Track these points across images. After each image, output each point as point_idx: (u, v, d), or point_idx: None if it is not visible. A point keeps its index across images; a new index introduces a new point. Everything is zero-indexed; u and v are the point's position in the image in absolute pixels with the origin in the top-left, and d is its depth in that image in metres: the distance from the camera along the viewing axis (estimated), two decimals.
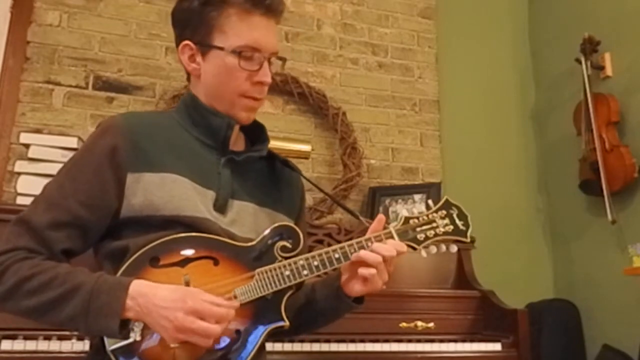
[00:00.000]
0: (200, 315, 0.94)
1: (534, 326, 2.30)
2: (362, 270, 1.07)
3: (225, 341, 1.01)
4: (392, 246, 1.08)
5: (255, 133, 1.24)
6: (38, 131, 2.28)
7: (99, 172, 1.05)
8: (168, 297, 0.95)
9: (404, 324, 2.07)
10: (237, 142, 1.22)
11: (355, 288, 1.11)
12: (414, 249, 1.13)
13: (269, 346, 1.75)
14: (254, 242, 1.09)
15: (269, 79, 1.14)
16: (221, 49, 1.11)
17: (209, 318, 0.94)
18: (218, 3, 1.10)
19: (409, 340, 1.97)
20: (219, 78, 1.12)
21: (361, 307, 1.17)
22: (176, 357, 0.98)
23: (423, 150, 2.88)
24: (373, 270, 1.06)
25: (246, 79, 1.12)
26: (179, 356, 0.98)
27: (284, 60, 1.20)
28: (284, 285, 1.05)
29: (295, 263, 1.06)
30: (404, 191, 2.60)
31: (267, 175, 1.24)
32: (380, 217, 1.13)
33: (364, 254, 1.07)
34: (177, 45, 1.17)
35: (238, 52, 1.10)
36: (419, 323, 2.08)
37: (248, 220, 1.14)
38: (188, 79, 1.21)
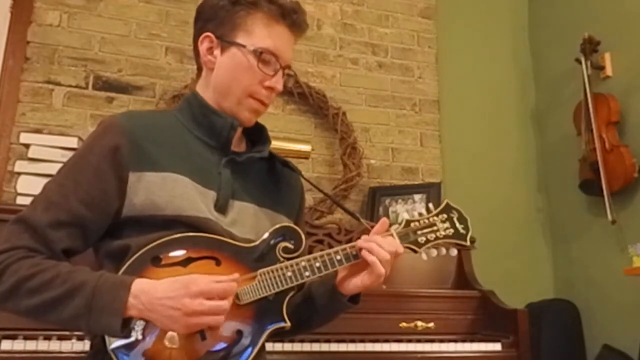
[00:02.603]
0: (207, 296, 0.95)
1: (534, 326, 2.30)
2: (378, 266, 1.06)
3: (226, 342, 1.01)
4: (392, 243, 1.09)
5: (257, 134, 1.25)
6: (38, 131, 2.28)
7: (100, 171, 1.05)
8: (170, 288, 0.95)
9: (404, 324, 2.07)
10: (239, 143, 1.22)
11: (351, 285, 1.12)
12: (415, 251, 1.14)
13: (269, 346, 1.75)
14: (256, 243, 1.09)
15: (280, 87, 1.16)
16: (243, 46, 1.13)
17: (214, 296, 0.95)
18: (248, 5, 1.13)
19: (409, 340, 1.97)
20: (233, 74, 1.14)
21: (355, 307, 1.17)
22: (176, 357, 0.97)
23: (423, 150, 2.88)
24: (375, 258, 1.07)
25: (259, 82, 1.14)
26: (179, 355, 0.98)
27: (293, 76, 1.22)
28: (285, 286, 1.05)
29: (297, 264, 1.07)
30: (404, 191, 2.60)
31: (267, 176, 1.24)
32: (384, 220, 1.14)
33: (368, 245, 1.08)
34: (197, 37, 1.18)
35: (259, 53, 1.12)
36: (419, 323, 2.08)
37: (248, 221, 1.14)
38: (198, 74, 1.22)
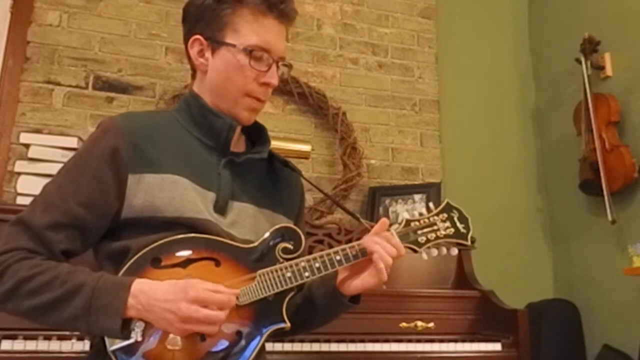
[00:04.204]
0: (203, 304, 0.94)
1: (534, 326, 2.30)
2: (377, 260, 1.07)
3: (226, 343, 1.01)
4: (397, 246, 1.09)
5: (257, 134, 1.24)
6: (38, 131, 2.28)
7: (99, 173, 1.05)
8: (169, 291, 0.95)
9: (404, 324, 2.07)
10: (238, 143, 1.22)
11: (352, 286, 1.11)
12: (415, 251, 1.13)
13: (269, 346, 1.75)
14: (255, 244, 1.09)
15: (275, 82, 1.14)
16: (233, 46, 1.11)
17: (211, 305, 0.95)
18: (233, 2, 1.11)
19: (409, 340, 1.97)
20: (226, 75, 1.13)
21: (356, 307, 1.17)
22: (176, 358, 0.98)
23: (423, 150, 2.88)
24: (389, 260, 1.07)
25: (253, 79, 1.12)
26: (180, 356, 0.98)
27: (290, 66, 1.20)
28: (285, 287, 1.05)
29: (296, 265, 1.06)
30: (404, 191, 2.60)
31: (266, 176, 1.24)
32: (384, 220, 1.13)
33: (377, 248, 1.07)
34: (186, 40, 1.17)
35: (249, 51, 1.10)
36: (419, 323, 2.09)
37: (248, 222, 1.14)
38: (193, 76, 1.21)
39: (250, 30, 1.11)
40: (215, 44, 1.13)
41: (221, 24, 1.12)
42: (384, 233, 1.11)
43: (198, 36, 1.14)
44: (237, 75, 1.12)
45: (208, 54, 1.14)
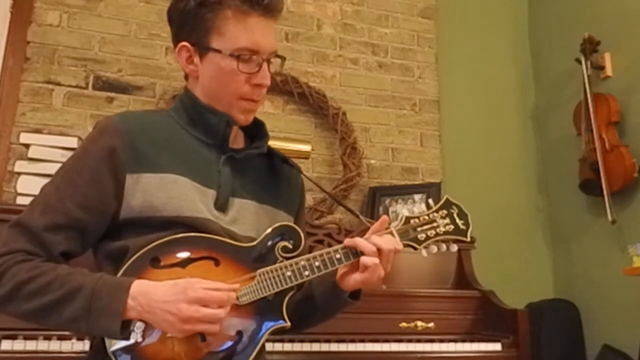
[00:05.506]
0: (203, 303, 0.94)
1: (534, 326, 2.30)
2: (364, 259, 1.06)
3: (227, 342, 1.00)
4: (390, 240, 1.08)
5: (255, 129, 1.23)
6: (38, 131, 2.28)
7: (96, 174, 1.04)
8: (169, 292, 0.95)
9: (404, 324, 2.07)
10: (237, 139, 1.21)
11: (351, 281, 1.11)
12: (415, 248, 1.13)
13: (269, 346, 1.75)
14: (254, 243, 1.09)
15: (268, 81, 1.12)
16: (219, 51, 1.09)
17: (211, 304, 0.95)
18: (214, 4, 1.08)
19: (409, 340, 1.97)
20: (217, 80, 1.11)
21: (357, 304, 1.17)
22: (177, 358, 0.98)
23: (423, 150, 2.88)
24: (375, 260, 1.06)
25: (245, 82, 1.11)
26: (180, 357, 0.98)
27: (283, 59, 1.18)
28: (285, 286, 1.05)
29: (296, 264, 1.06)
30: (404, 191, 2.60)
31: (266, 172, 1.23)
32: (384, 218, 1.13)
33: (359, 241, 1.07)
34: (174, 44, 1.15)
35: (236, 55, 1.08)
36: (419, 323, 2.09)
37: (249, 219, 1.13)
38: (186, 78, 1.20)
39: (235, 32, 1.08)
40: (203, 50, 1.10)
41: (205, 29, 1.09)
42: (382, 232, 1.11)
43: (184, 43, 1.12)
44: (228, 80, 1.10)
45: (197, 60, 1.12)
